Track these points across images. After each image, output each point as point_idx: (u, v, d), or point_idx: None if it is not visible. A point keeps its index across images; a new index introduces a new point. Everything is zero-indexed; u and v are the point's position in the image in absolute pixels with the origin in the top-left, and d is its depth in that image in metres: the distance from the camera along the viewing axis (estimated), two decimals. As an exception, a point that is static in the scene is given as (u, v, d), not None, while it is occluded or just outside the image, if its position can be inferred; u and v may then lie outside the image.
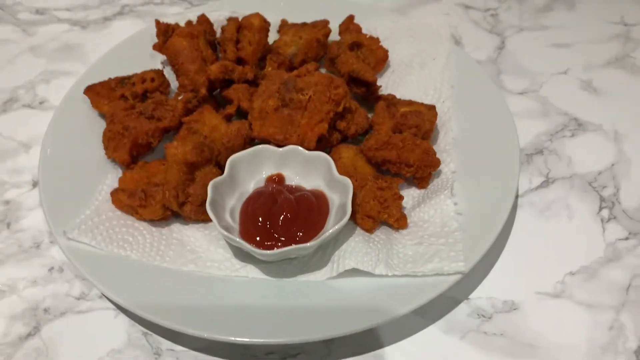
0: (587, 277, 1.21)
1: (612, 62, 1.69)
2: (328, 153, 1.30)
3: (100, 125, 1.36)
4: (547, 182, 1.39)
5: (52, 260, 1.25)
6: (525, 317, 1.15)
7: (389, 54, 1.54)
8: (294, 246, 1.08)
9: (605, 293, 1.18)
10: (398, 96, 1.44)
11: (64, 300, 1.18)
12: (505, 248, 1.25)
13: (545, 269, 1.22)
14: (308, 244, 1.07)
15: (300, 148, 1.25)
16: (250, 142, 1.32)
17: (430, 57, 1.54)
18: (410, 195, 1.29)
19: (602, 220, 1.31)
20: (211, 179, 1.20)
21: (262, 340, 1.03)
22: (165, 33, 1.50)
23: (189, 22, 1.54)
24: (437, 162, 1.27)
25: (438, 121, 1.37)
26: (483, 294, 1.18)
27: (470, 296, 1.18)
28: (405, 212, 1.22)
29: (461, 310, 1.16)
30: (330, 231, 1.09)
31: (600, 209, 1.33)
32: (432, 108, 1.36)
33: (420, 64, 1.54)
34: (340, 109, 1.28)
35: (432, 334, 1.13)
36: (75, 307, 1.17)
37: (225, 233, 1.09)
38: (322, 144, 1.30)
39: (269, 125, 1.26)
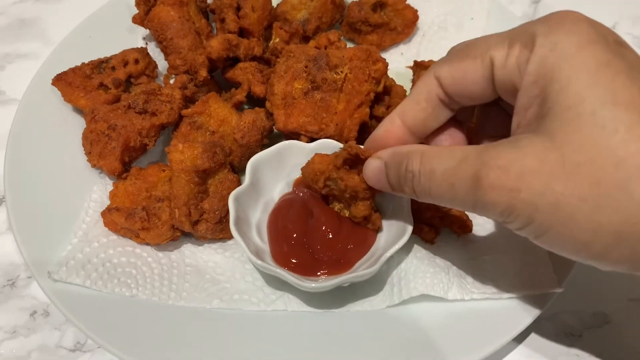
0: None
1: (664, 13, 1.48)
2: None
3: (77, 122, 1.09)
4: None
5: (34, 301, 0.99)
6: (621, 332, 0.96)
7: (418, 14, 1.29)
8: (349, 275, 0.85)
9: None
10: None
11: (55, 354, 0.94)
12: (583, 246, 1.05)
13: (634, 269, 1.03)
14: (368, 271, 0.84)
15: (333, 141, 1.00)
16: (267, 135, 1.07)
17: (467, 16, 1.30)
18: (467, 189, 1.07)
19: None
20: (228, 188, 0.96)
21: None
22: (147, 1, 1.20)
23: (174, -14, 1.25)
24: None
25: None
26: (567, 306, 0.99)
27: (554, 311, 0.98)
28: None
29: (546, 330, 0.96)
30: (392, 250, 0.86)
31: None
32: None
33: (456, 25, 1.30)
34: (380, 88, 1.04)
35: (516, 362, 0.93)
36: (71, 362, 0.93)
37: (260, 262, 0.86)
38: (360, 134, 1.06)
39: (298, 114, 1.01)
